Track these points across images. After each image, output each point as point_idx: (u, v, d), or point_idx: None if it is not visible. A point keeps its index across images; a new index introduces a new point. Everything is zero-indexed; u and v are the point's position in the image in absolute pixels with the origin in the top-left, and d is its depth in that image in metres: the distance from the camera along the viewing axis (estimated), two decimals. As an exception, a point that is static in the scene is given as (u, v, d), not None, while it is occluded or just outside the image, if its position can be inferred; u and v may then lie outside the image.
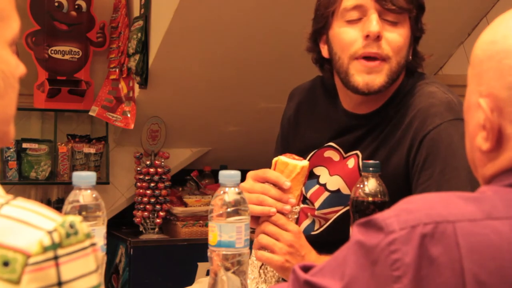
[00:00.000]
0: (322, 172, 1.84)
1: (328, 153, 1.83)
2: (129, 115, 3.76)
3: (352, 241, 1.03)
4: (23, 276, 0.89)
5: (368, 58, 1.71)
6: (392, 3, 1.70)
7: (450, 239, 0.98)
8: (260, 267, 1.66)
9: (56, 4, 3.78)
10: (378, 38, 1.69)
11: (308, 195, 1.85)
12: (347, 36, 1.72)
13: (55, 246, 0.90)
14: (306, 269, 1.12)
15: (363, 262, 1.00)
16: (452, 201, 1.02)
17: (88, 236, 0.94)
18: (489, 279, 0.97)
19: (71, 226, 0.92)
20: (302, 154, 1.79)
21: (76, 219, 0.93)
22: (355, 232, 1.04)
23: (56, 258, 0.90)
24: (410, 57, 1.77)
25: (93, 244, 0.94)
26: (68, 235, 0.91)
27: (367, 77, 1.70)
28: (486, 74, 1.06)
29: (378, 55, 1.70)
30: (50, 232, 0.90)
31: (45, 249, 0.89)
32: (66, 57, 3.80)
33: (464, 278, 0.96)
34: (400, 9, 1.71)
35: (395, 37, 1.72)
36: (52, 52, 3.77)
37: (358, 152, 1.78)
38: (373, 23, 1.69)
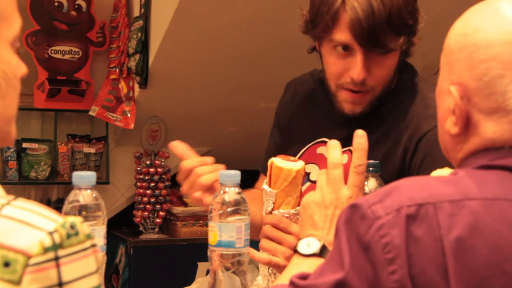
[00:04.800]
0: (312, 169, 1.83)
1: (321, 150, 1.83)
2: (129, 115, 3.77)
3: (342, 231, 1.08)
4: (24, 277, 0.89)
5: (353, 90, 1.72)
6: (382, 46, 1.66)
7: (432, 220, 1.03)
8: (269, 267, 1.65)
9: (56, 4, 3.78)
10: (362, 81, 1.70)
11: None
12: (335, 68, 1.72)
13: (56, 246, 0.90)
14: (303, 277, 1.13)
15: (356, 249, 1.05)
16: (432, 184, 1.08)
17: (88, 237, 0.94)
18: (466, 258, 1.01)
19: (72, 227, 0.92)
20: (296, 145, 1.84)
21: (77, 220, 0.93)
22: (342, 220, 1.08)
23: (57, 258, 0.90)
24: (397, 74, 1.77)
25: (93, 245, 0.94)
26: (69, 236, 0.91)
27: (352, 106, 1.74)
28: (457, 64, 1.14)
29: (362, 90, 1.72)
30: (51, 233, 0.90)
31: (46, 250, 0.89)
32: (66, 57, 3.80)
33: (445, 256, 1.02)
34: (389, 51, 1.68)
35: (382, 72, 1.71)
36: (52, 52, 3.77)
37: (351, 148, 1.77)
38: (358, 70, 1.67)
